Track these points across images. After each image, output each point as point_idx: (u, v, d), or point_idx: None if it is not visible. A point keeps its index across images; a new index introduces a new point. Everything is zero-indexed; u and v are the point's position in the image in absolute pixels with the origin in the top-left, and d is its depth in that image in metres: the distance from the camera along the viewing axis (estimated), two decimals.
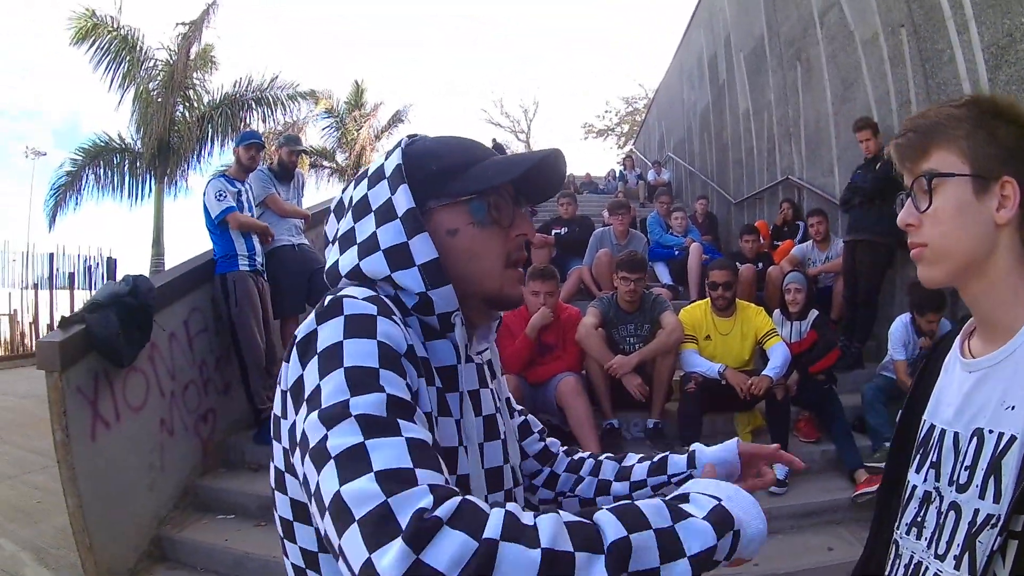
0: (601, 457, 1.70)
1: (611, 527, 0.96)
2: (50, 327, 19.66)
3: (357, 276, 1.32)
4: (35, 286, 21.03)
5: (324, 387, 1.06)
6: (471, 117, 52.04)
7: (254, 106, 21.16)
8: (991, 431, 1.21)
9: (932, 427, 1.38)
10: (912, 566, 1.34)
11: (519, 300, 1.45)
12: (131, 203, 21.46)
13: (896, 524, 1.43)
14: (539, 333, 6.10)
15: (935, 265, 1.31)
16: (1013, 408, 1.18)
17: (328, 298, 1.19)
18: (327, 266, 1.39)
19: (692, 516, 1.03)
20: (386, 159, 1.38)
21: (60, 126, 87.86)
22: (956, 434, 1.30)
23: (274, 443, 1.22)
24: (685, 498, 1.10)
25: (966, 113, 1.28)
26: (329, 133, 29.02)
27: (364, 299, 1.18)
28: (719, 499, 1.09)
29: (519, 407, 1.77)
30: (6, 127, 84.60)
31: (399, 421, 1.02)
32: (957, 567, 1.21)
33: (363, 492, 0.93)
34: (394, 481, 0.94)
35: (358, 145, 28.14)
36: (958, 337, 1.42)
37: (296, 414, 1.10)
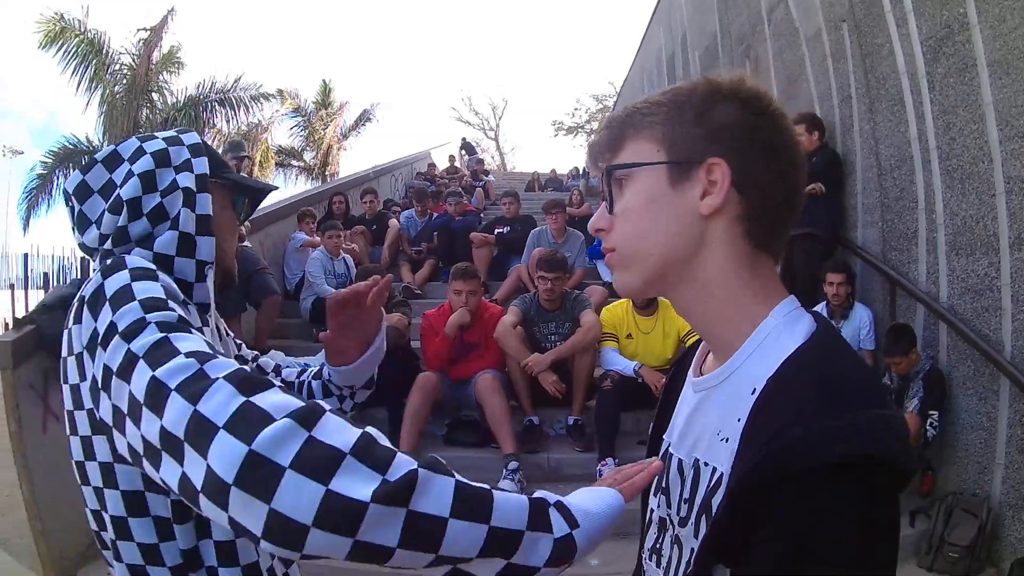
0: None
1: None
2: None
3: (121, 237, 1.49)
4: (11, 286, 21.03)
5: (119, 319, 1.19)
6: (441, 116, 52.22)
7: (218, 107, 21.33)
8: (706, 463, 1.08)
9: (667, 448, 1.25)
10: None
11: (234, 281, 1.75)
12: None
13: (641, 548, 1.32)
14: (462, 332, 6.18)
15: (627, 270, 1.12)
16: (727, 440, 1.03)
17: (108, 260, 1.38)
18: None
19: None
20: None
21: (38, 126, 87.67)
22: (680, 460, 1.17)
23: (76, 414, 1.36)
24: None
25: (669, 97, 1.11)
26: (296, 132, 29.10)
27: (137, 265, 1.34)
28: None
29: (251, 353, 1.94)
30: None
31: (192, 330, 1.19)
32: None
33: (179, 365, 1.07)
34: (201, 356, 1.09)
35: (325, 144, 28.24)
36: (700, 346, 1.24)
37: (95, 359, 1.21)
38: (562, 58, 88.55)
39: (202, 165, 1.58)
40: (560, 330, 6.40)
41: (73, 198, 1.53)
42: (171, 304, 1.24)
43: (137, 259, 1.37)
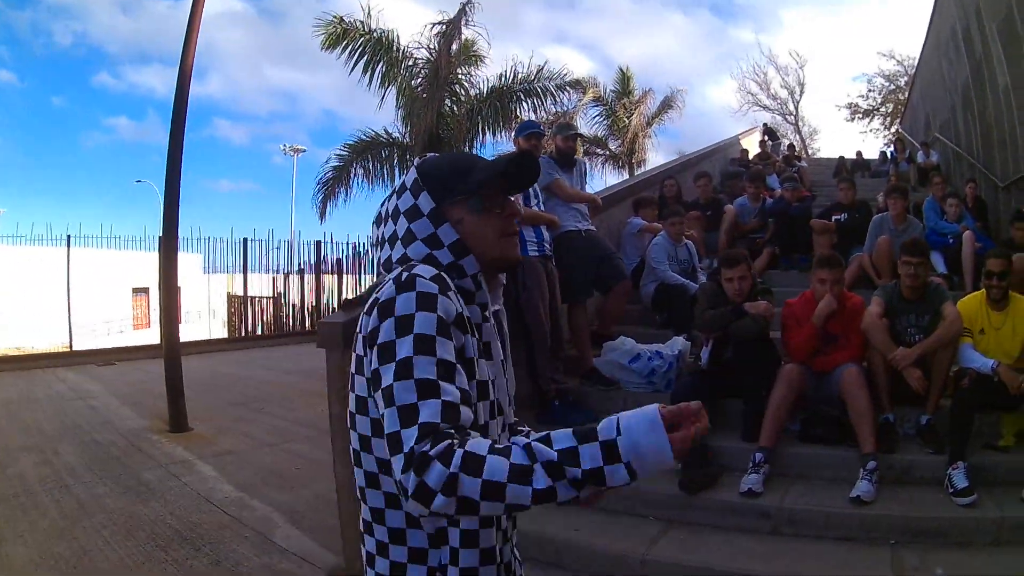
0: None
1: (540, 474, 1.45)
2: (323, 309, 21.55)
3: (404, 261, 1.83)
4: (300, 272, 22.52)
5: (399, 346, 1.58)
6: (738, 101, 50.95)
7: (523, 97, 21.41)
8: None
9: None
10: None
11: (517, 257, 1.99)
12: None
13: None
14: (825, 322, 6.10)
15: None
16: None
17: (404, 274, 1.67)
18: (382, 260, 1.93)
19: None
20: (405, 176, 1.94)
21: (315, 126, 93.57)
22: None
23: (356, 377, 1.76)
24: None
25: None
26: (599, 121, 29.27)
27: (430, 278, 1.66)
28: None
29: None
30: (259, 130, 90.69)
31: (442, 385, 1.55)
32: None
33: (407, 436, 1.50)
34: (424, 431, 1.48)
35: (630, 132, 28.29)
36: None
37: (373, 357, 1.63)
38: (844, 33, 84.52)
39: (427, 202, 1.85)
40: (920, 322, 6.19)
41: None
42: (438, 342, 1.60)
43: (426, 281, 1.66)
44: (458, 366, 1.61)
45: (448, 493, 1.41)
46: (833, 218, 10.15)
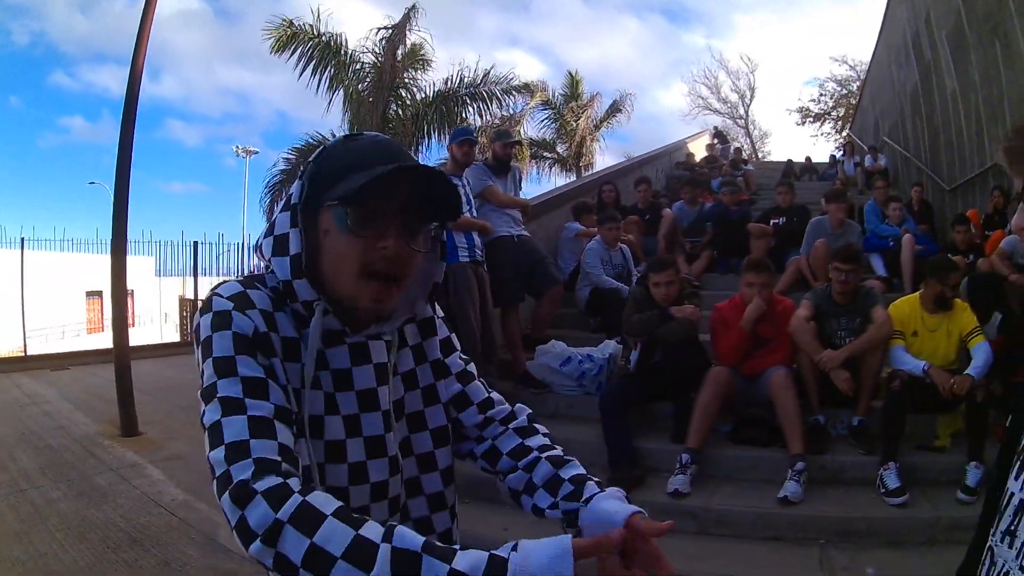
0: (542, 455, 1.72)
1: (383, 562, 1.13)
2: None
3: (259, 252, 1.60)
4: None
5: (205, 372, 1.39)
6: (688, 105, 51.64)
7: (468, 101, 21.58)
8: None
9: None
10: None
11: (373, 312, 1.54)
12: None
13: (993, 531, 1.34)
14: (754, 325, 6.11)
15: None
16: None
17: (208, 295, 1.50)
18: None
19: None
20: None
21: (268, 128, 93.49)
22: None
23: None
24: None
25: None
26: (547, 125, 29.46)
27: (228, 296, 1.46)
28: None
29: (458, 368, 1.83)
30: (212, 131, 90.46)
31: (246, 401, 1.34)
32: None
33: (216, 458, 1.28)
34: (233, 452, 1.27)
35: (577, 136, 28.46)
36: None
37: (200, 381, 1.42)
38: (797, 38, 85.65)
39: (296, 194, 1.52)
40: (850, 325, 6.25)
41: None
42: (238, 361, 1.39)
43: (222, 300, 1.46)
44: (269, 382, 1.39)
45: (268, 542, 1.18)
46: (772, 222, 10.25)
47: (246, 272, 21.99)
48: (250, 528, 1.19)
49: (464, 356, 1.85)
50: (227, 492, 1.23)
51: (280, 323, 1.49)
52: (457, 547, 1.16)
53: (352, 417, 1.54)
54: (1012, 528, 1.25)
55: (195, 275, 22.59)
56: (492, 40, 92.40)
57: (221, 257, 23.24)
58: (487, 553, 1.14)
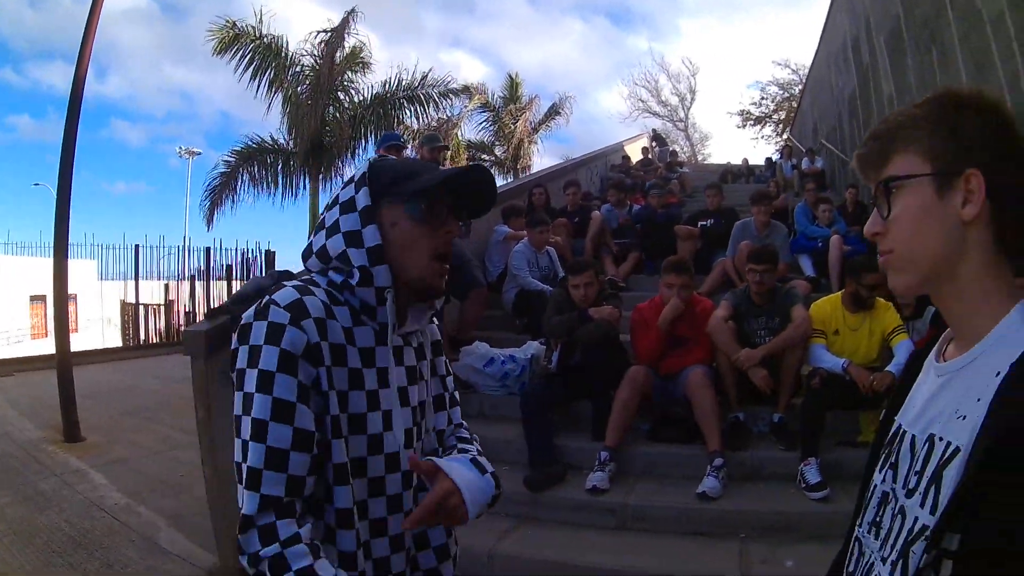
0: (457, 447, 2.07)
1: None
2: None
3: (322, 254, 1.80)
4: (192, 278, 22.21)
5: (247, 378, 1.61)
6: (628, 108, 51.99)
7: (406, 104, 21.76)
8: (941, 438, 1.18)
9: (899, 427, 1.36)
10: (866, 566, 1.33)
11: (440, 291, 1.89)
12: (285, 200, 22.53)
13: (859, 522, 1.42)
14: (673, 325, 6.17)
15: (903, 272, 1.29)
16: (964, 418, 1.14)
17: (266, 298, 1.67)
18: (306, 246, 1.87)
19: None
20: (358, 169, 1.88)
21: (212, 128, 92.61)
22: (913, 437, 1.28)
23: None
24: None
25: (926, 111, 1.25)
26: (486, 127, 29.61)
27: (285, 306, 1.64)
28: None
29: (451, 391, 2.16)
30: (156, 131, 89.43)
31: (270, 425, 1.58)
32: (892, 574, 1.21)
33: (239, 474, 1.59)
34: (250, 480, 1.57)
35: (515, 138, 28.55)
36: (941, 337, 1.39)
37: (234, 378, 1.65)
38: (741, 42, 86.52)
39: (364, 198, 1.79)
40: (770, 324, 6.32)
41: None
42: (276, 379, 1.60)
43: (279, 311, 1.64)
44: (298, 406, 1.61)
45: (252, 565, 1.53)
46: (700, 224, 10.33)
47: (187, 275, 22.01)
48: (243, 550, 1.54)
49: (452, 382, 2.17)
50: (240, 516, 1.56)
51: (331, 329, 1.71)
52: None
53: (387, 413, 1.79)
54: (877, 519, 1.33)
55: (136, 279, 22.45)
56: (437, 41, 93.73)
57: (164, 260, 23.13)
58: None
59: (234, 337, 1.66)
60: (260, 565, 1.51)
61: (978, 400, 1.13)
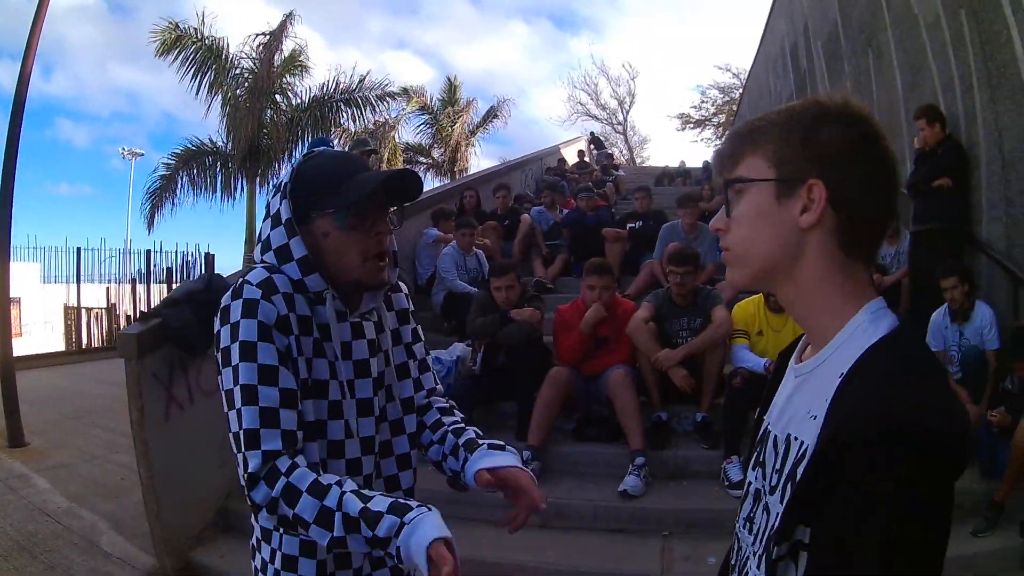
0: (449, 428, 2.18)
1: (339, 526, 1.65)
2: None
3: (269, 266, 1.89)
4: (132, 281, 21.90)
5: (232, 352, 1.75)
6: (567, 111, 52.11)
7: (343, 107, 21.80)
8: (796, 438, 1.23)
9: (766, 427, 1.40)
10: (743, 560, 1.38)
11: (383, 284, 1.97)
12: (224, 203, 22.46)
13: (737, 517, 1.46)
14: (595, 327, 6.19)
15: (736, 268, 1.34)
16: (815, 418, 1.18)
17: (240, 280, 1.81)
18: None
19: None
20: (284, 175, 1.94)
21: (156, 129, 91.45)
22: (775, 436, 1.32)
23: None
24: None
25: (784, 118, 1.27)
26: (424, 130, 29.58)
27: (257, 283, 1.79)
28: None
29: (420, 357, 2.25)
30: (100, 131, 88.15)
31: (259, 388, 1.72)
32: (758, 567, 1.25)
33: (236, 440, 1.73)
34: (248, 441, 1.69)
35: (453, 140, 28.49)
36: (801, 340, 1.44)
37: (219, 358, 1.79)
38: (685, 46, 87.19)
39: (286, 210, 1.87)
40: (692, 325, 6.36)
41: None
42: (259, 348, 1.75)
43: (252, 287, 1.79)
44: (280, 368, 1.77)
45: (271, 512, 1.68)
46: (628, 226, 10.38)
47: (129, 278, 21.72)
48: (257, 503, 1.69)
49: (426, 347, 2.27)
50: (244, 474, 1.69)
51: (298, 303, 1.84)
52: (385, 511, 1.66)
53: (348, 382, 1.92)
54: (751, 515, 1.37)
55: (78, 282, 22.05)
56: (380, 42, 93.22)
57: (105, 263, 22.76)
58: (398, 520, 1.65)
59: (216, 320, 1.80)
60: (278, 509, 1.67)
61: (825, 400, 1.16)
